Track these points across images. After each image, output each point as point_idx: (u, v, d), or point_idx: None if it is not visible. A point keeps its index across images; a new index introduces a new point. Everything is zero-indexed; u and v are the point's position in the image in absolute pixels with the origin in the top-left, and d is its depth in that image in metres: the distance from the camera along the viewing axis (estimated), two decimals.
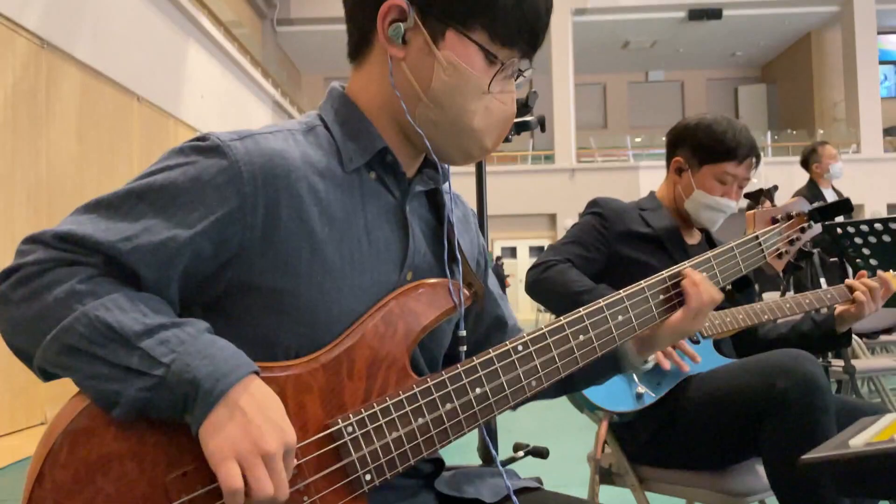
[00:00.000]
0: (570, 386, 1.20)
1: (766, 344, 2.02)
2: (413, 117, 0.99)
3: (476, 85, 0.98)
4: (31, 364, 0.85)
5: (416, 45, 0.97)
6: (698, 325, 1.15)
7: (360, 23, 1.02)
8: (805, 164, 5.17)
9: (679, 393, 1.76)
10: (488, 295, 1.20)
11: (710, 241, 2.09)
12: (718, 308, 1.85)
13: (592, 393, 1.73)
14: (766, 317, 1.88)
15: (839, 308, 1.95)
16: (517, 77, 1.03)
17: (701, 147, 1.97)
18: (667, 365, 1.74)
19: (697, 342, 1.83)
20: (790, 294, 2.24)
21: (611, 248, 1.94)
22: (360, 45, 1.03)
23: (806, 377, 1.57)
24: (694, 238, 2.07)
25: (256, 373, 0.85)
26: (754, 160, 1.97)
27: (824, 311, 2.00)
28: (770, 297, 3.23)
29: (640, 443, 1.81)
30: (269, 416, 0.82)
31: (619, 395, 1.75)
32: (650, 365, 1.21)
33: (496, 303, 1.21)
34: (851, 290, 1.93)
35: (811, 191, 4.97)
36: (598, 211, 1.99)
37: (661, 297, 1.12)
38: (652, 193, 2.11)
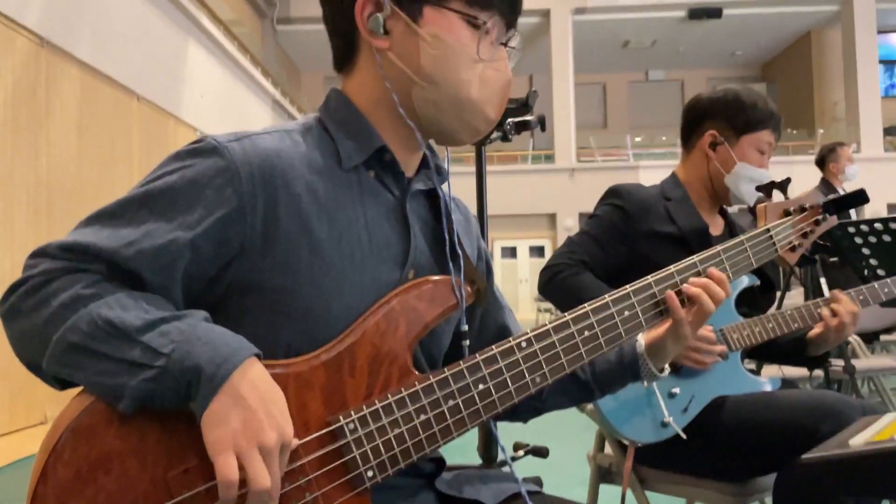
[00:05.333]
0: (587, 393, 1.20)
1: (765, 348, 1.92)
2: (412, 104, 1.00)
3: (465, 53, 0.98)
4: (44, 375, 0.86)
5: (398, 30, 0.99)
6: (696, 331, 1.12)
7: (342, 29, 1.03)
8: (821, 162, 5.13)
9: (705, 414, 1.71)
10: (493, 302, 1.20)
11: (731, 232, 1.98)
12: (745, 315, 1.80)
13: (618, 421, 1.69)
14: (795, 325, 1.79)
15: (812, 330, 1.82)
16: (505, 46, 1.03)
17: (737, 118, 1.87)
18: (708, 362, 1.64)
19: (725, 358, 1.74)
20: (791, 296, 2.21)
21: (632, 247, 1.82)
22: (346, 53, 1.04)
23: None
24: (717, 227, 1.96)
25: (258, 356, 0.86)
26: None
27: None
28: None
29: (646, 447, 1.77)
30: (270, 409, 0.82)
31: (645, 424, 1.70)
32: (666, 373, 1.19)
33: (501, 312, 1.21)
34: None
35: (825, 190, 4.95)
36: (620, 204, 1.86)
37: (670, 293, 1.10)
38: (674, 176, 1.97)
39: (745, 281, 1.80)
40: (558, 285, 1.79)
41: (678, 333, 1.12)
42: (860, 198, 1.39)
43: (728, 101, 1.89)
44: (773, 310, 1.85)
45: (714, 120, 1.90)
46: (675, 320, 1.10)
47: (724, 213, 2.01)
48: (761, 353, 2.00)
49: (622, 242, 1.83)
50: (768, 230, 1.26)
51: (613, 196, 1.89)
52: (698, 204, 1.93)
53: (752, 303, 1.89)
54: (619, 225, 1.84)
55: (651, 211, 1.85)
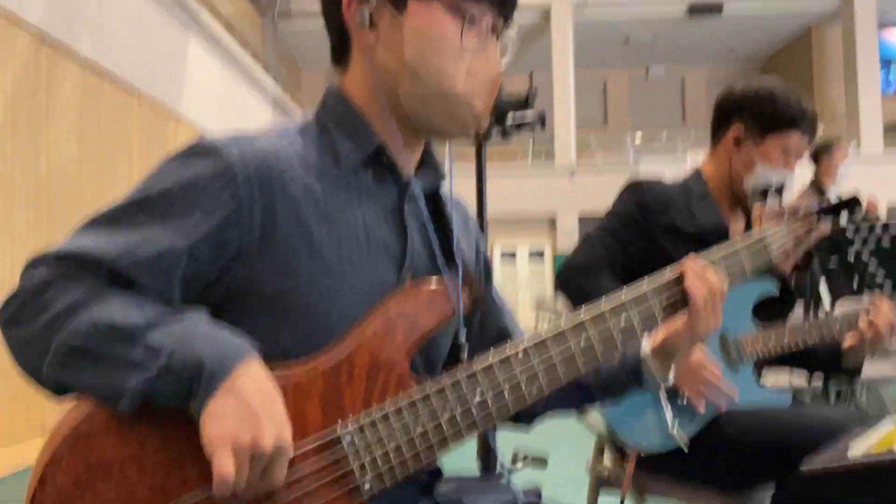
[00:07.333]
0: (588, 398, 1.17)
1: (801, 357, 1.88)
2: (399, 99, 0.99)
3: (448, 45, 0.96)
4: (43, 384, 0.86)
5: (384, 23, 0.98)
6: (714, 322, 1.07)
7: (334, 24, 1.02)
8: (815, 157, 5.07)
9: (708, 425, 1.67)
10: (492, 305, 1.19)
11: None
12: (764, 321, 1.77)
13: (623, 428, 1.67)
14: (813, 341, 1.75)
15: (847, 341, 1.76)
16: (497, 37, 1.01)
17: (765, 114, 1.77)
18: (702, 409, 1.56)
19: (737, 370, 1.71)
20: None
21: (651, 241, 1.76)
22: (340, 48, 1.04)
23: None
24: (739, 226, 1.88)
25: (258, 353, 0.85)
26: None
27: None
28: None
29: (645, 456, 1.74)
30: (270, 411, 0.82)
31: (650, 432, 1.66)
32: (671, 379, 1.15)
33: (502, 314, 1.20)
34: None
35: (814, 186, 4.91)
36: (639, 198, 1.80)
37: (664, 296, 1.07)
38: (698, 172, 1.89)
39: (765, 290, 1.77)
40: (576, 287, 1.75)
41: (694, 331, 1.07)
42: (854, 203, 1.37)
43: (759, 95, 1.79)
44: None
45: (742, 114, 1.81)
46: (694, 308, 1.05)
47: (746, 211, 1.93)
48: (796, 361, 1.95)
49: (641, 237, 1.77)
50: (763, 236, 1.24)
51: (633, 189, 1.83)
52: (720, 201, 1.86)
53: (769, 311, 1.84)
54: (638, 219, 1.78)
55: (671, 205, 1.79)
